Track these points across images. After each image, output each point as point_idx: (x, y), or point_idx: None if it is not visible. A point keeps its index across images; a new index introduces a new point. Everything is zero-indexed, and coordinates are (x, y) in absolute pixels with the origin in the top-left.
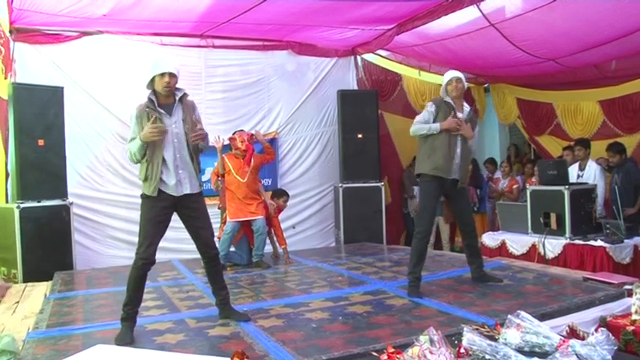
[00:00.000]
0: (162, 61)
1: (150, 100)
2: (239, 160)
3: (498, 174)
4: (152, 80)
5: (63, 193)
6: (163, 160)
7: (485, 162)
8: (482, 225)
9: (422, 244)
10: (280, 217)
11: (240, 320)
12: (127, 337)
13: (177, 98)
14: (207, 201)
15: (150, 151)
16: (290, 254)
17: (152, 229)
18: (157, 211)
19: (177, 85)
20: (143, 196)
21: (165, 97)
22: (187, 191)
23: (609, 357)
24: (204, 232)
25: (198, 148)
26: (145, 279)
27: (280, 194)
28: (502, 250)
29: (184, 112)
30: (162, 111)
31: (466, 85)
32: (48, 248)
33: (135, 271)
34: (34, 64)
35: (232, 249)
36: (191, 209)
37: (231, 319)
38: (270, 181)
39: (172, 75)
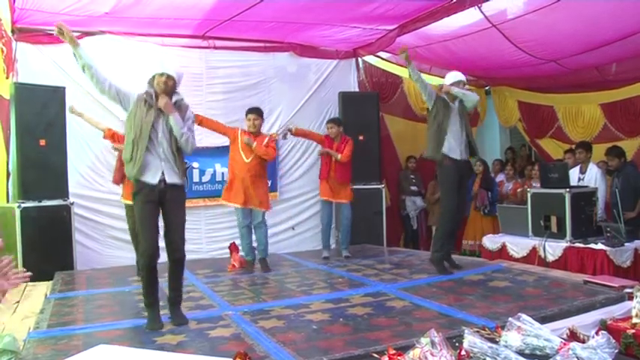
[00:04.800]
0: (164, 63)
1: (148, 93)
2: (251, 137)
3: (501, 177)
4: (152, 78)
5: (64, 193)
6: (149, 147)
7: (493, 162)
8: (493, 228)
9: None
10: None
11: (181, 324)
12: (157, 322)
13: (173, 100)
14: (209, 202)
15: (137, 141)
16: (290, 255)
17: (146, 225)
18: (148, 209)
19: (177, 90)
20: (133, 196)
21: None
22: (159, 179)
23: None
24: (172, 230)
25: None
26: (156, 271)
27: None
28: (502, 252)
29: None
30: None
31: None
32: (49, 248)
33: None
34: (36, 64)
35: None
36: (167, 202)
37: (173, 321)
38: (270, 183)
39: (169, 77)
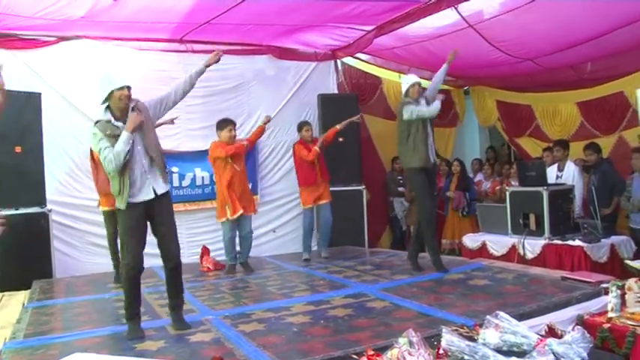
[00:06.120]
0: (116, 75)
1: (108, 122)
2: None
3: (480, 176)
4: (109, 95)
5: (41, 200)
6: (131, 169)
7: (472, 162)
8: (472, 227)
9: None
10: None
11: (182, 329)
12: (139, 332)
13: (130, 107)
14: (189, 206)
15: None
16: (270, 258)
17: (132, 238)
18: (135, 221)
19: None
20: (118, 210)
21: (122, 110)
22: (152, 195)
23: (585, 354)
24: (166, 240)
25: (159, 150)
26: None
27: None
28: (483, 251)
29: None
30: (120, 124)
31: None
32: (26, 256)
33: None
34: (11, 70)
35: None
36: (157, 213)
37: (173, 326)
38: (250, 186)
39: (129, 87)
